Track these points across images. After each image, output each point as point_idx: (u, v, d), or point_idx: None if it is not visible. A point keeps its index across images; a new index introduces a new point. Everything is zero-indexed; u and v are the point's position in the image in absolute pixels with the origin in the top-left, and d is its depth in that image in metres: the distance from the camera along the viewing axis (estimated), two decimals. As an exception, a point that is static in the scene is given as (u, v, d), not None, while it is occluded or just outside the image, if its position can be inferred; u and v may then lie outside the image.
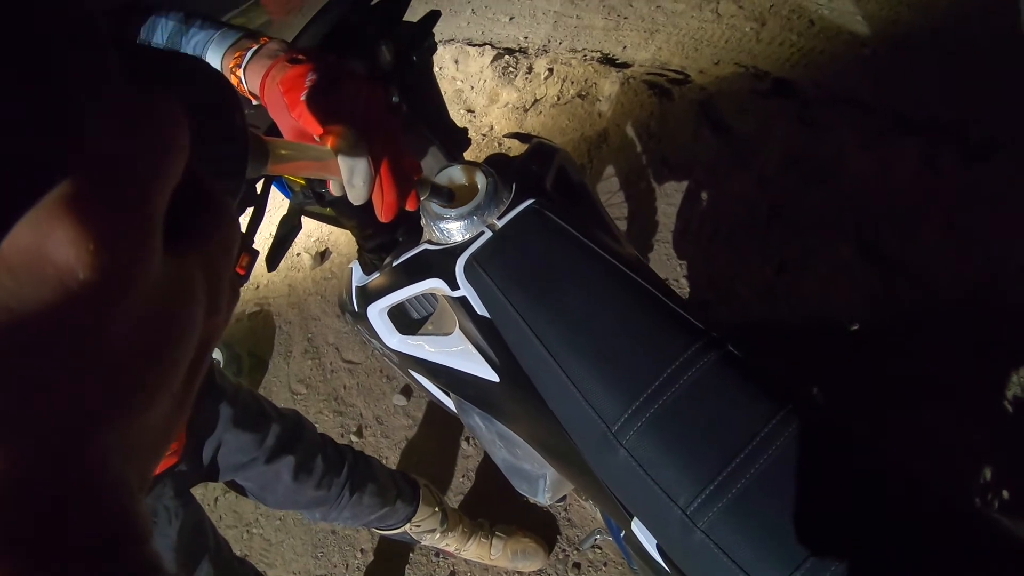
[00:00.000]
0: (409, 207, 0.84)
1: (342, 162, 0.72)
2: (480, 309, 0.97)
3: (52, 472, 0.20)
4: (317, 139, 0.74)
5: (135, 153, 0.24)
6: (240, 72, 0.87)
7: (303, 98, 0.75)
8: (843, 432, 0.79)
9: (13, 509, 0.19)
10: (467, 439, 2.36)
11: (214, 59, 0.91)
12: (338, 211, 1.16)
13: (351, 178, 0.74)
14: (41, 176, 0.22)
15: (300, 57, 0.80)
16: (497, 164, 1.09)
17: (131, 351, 0.24)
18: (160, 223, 0.25)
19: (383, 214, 0.80)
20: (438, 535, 1.93)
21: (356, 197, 0.76)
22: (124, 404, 0.24)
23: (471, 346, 1.04)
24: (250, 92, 0.88)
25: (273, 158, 0.61)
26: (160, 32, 0.94)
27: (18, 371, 0.20)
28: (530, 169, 1.11)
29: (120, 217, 0.23)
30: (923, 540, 0.70)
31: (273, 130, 0.83)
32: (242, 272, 0.84)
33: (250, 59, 0.86)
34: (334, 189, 0.78)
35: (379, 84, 0.80)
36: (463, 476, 2.31)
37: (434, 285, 1.02)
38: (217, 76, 0.42)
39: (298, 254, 3.24)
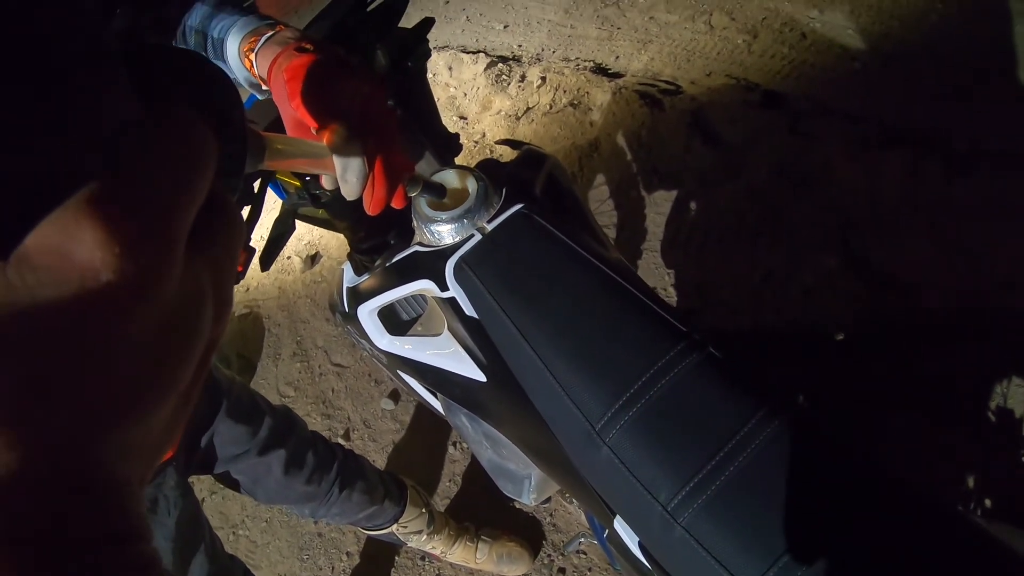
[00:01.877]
0: (395, 204, 0.86)
1: (336, 159, 0.73)
2: (469, 310, 0.98)
3: (56, 470, 0.21)
4: (314, 132, 0.75)
5: (168, 165, 0.25)
6: (253, 57, 0.89)
7: (302, 90, 0.76)
8: (822, 431, 0.80)
9: (15, 505, 0.20)
10: (454, 443, 2.37)
11: (233, 43, 0.93)
12: (331, 213, 1.18)
13: (344, 174, 0.75)
14: (59, 180, 0.22)
15: (307, 47, 0.81)
16: (488, 169, 1.10)
17: (143, 356, 0.24)
18: (185, 237, 0.25)
19: (370, 208, 0.82)
20: (424, 537, 1.93)
21: (349, 193, 0.77)
22: (133, 407, 0.24)
23: (459, 347, 1.05)
24: (260, 77, 0.90)
25: (269, 153, 0.62)
26: (195, 15, 0.97)
27: (31, 367, 0.20)
28: (520, 175, 1.12)
29: (149, 225, 0.23)
30: (901, 537, 0.72)
31: (277, 123, 0.85)
32: (240, 269, 0.85)
33: (262, 45, 0.88)
34: (326, 183, 0.79)
35: (380, 80, 0.81)
36: (449, 480, 2.32)
37: (424, 286, 1.03)
38: (218, 73, 0.43)
39: (289, 257, 3.24)
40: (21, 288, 0.20)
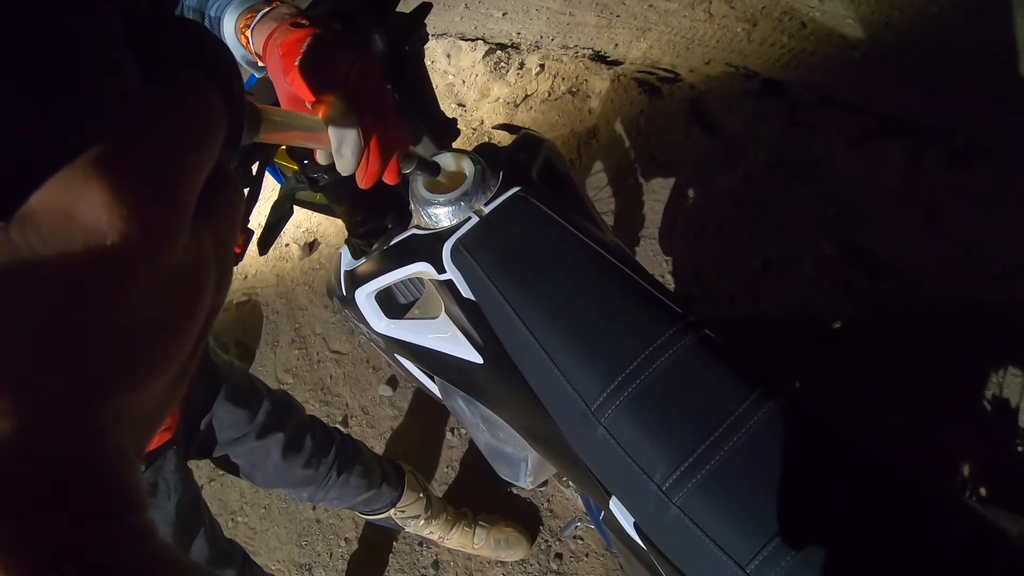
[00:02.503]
0: (388, 180, 0.85)
1: (332, 132, 0.73)
2: (466, 292, 0.98)
3: (53, 437, 0.20)
4: (309, 107, 0.75)
5: (179, 130, 0.24)
6: (248, 33, 0.89)
7: (297, 64, 0.76)
8: (816, 413, 0.81)
9: (10, 473, 0.19)
10: (451, 429, 2.38)
11: (230, 19, 0.93)
12: (329, 197, 1.18)
13: (340, 148, 0.75)
14: (64, 141, 0.21)
15: (303, 22, 0.81)
16: (485, 153, 1.11)
17: (145, 322, 0.23)
18: (193, 203, 0.25)
19: (363, 182, 0.82)
20: (422, 522, 1.94)
21: (344, 167, 0.77)
22: (132, 375, 0.23)
23: (456, 329, 1.05)
24: (256, 53, 0.89)
25: (266, 125, 0.62)
26: None
27: (30, 329, 0.20)
28: (517, 158, 1.13)
29: (157, 190, 0.23)
30: (894, 518, 0.72)
31: (276, 103, 0.85)
32: (238, 251, 0.85)
33: (259, 20, 0.88)
34: (321, 158, 0.79)
35: (375, 56, 0.81)
36: (447, 466, 2.33)
37: (421, 269, 1.04)
38: (216, 43, 0.43)
39: (287, 244, 3.24)
40: (24, 247, 0.20)
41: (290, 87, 0.77)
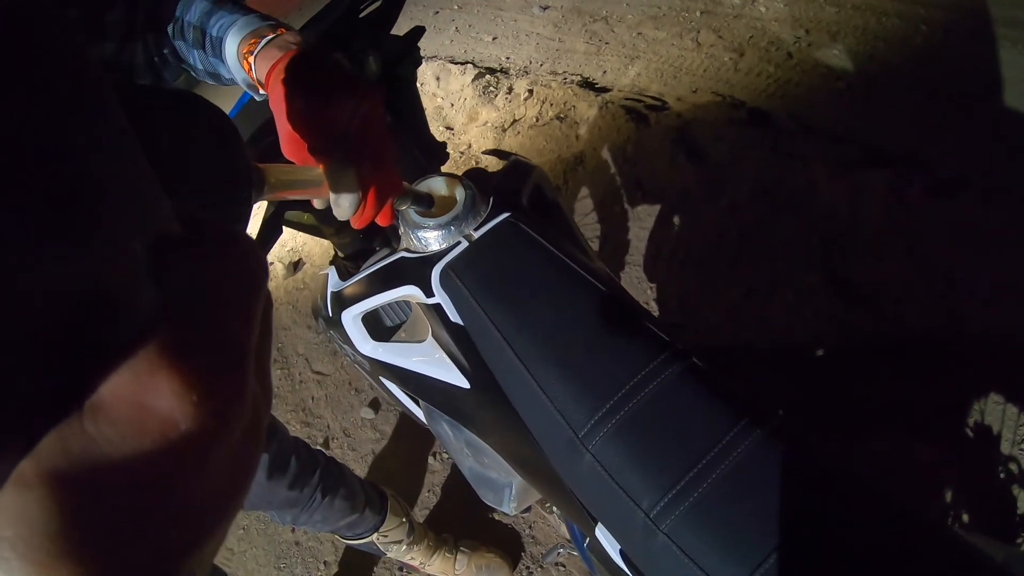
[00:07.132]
0: (382, 222, 0.86)
1: (331, 188, 0.75)
2: (454, 316, 0.98)
3: None
4: (309, 153, 0.75)
5: (234, 302, 0.25)
6: (252, 59, 0.87)
7: (299, 109, 0.75)
8: (803, 441, 0.81)
9: None
10: (434, 454, 2.36)
11: (232, 43, 0.91)
12: (318, 217, 1.18)
13: (338, 200, 0.76)
14: (120, 319, 0.21)
15: (307, 57, 0.79)
16: (476, 178, 1.11)
17: (219, 484, 0.24)
18: (253, 367, 0.25)
19: (357, 224, 0.82)
20: (404, 547, 1.92)
21: (340, 215, 0.78)
22: (211, 532, 0.24)
23: (443, 353, 1.05)
24: (258, 81, 0.88)
25: (269, 187, 0.62)
26: (193, 11, 0.95)
27: (113, 514, 0.20)
28: (507, 184, 1.13)
29: (221, 368, 0.23)
30: (881, 546, 0.72)
31: (271, 123, 0.84)
32: None
33: (262, 48, 0.86)
34: (318, 204, 0.80)
35: (378, 100, 0.80)
36: (429, 491, 2.31)
37: (409, 292, 1.04)
38: (220, 117, 0.43)
39: (271, 263, 3.23)
40: (100, 439, 0.20)
41: (291, 131, 0.76)
